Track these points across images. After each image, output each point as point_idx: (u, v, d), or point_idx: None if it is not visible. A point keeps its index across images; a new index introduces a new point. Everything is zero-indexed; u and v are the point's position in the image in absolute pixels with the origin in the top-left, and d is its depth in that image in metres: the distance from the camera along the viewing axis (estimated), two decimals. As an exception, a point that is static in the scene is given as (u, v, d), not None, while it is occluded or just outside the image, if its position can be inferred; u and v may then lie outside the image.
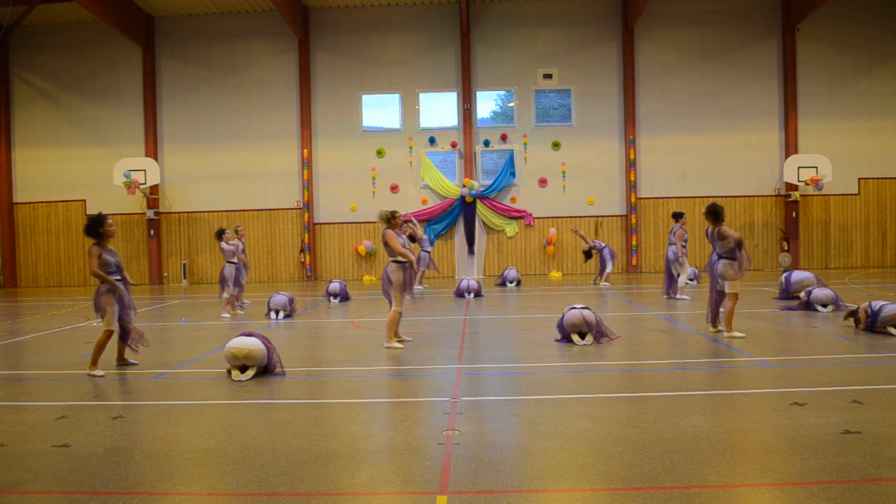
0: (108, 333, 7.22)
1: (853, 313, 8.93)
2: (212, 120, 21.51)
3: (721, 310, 8.65)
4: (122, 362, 7.51)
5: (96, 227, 7.22)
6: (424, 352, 8.10)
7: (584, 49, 21.09)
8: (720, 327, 8.69)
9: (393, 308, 8.28)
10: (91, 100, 21.72)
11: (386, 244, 8.28)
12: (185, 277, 21.45)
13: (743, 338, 8.23)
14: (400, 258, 8.22)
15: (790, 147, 20.53)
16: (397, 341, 8.40)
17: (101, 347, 7.17)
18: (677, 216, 13.26)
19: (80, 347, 8.87)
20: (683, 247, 12.90)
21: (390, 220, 8.32)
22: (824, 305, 10.63)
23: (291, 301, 11.90)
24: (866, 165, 20.68)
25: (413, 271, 8.49)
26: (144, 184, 20.62)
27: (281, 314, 11.57)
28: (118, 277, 7.30)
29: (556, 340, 8.43)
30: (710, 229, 8.59)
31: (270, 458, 4.31)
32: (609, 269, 16.75)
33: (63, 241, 21.99)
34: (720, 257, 8.48)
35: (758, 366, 6.85)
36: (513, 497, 3.63)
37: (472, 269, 20.67)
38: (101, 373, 7.05)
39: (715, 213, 8.47)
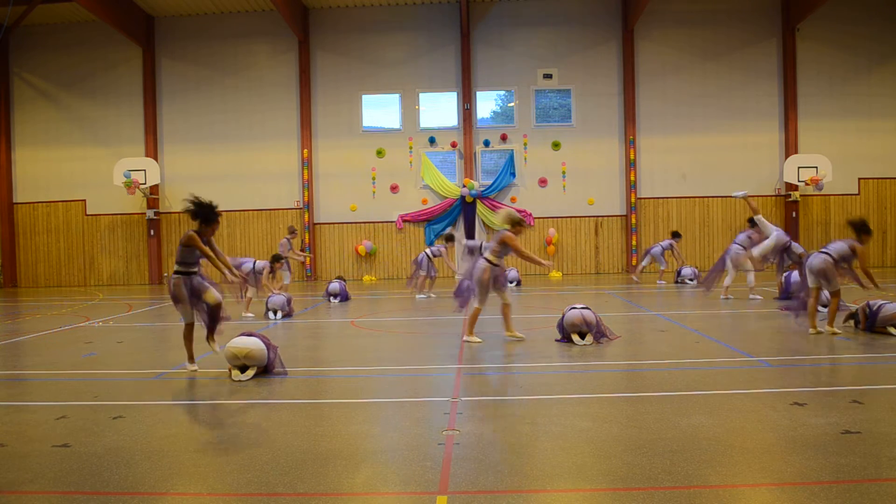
0: (187, 326, 7.08)
1: (853, 315, 8.92)
2: (212, 120, 21.51)
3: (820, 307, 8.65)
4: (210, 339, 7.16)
5: (210, 214, 6.81)
6: (424, 352, 8.09)
7: (584, 49, 21.09)
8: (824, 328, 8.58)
9: (476, 304, 8.41)
10: (91, 100, 21.72)
11: (504, 244, 8.18)
12: (185, 277, 21.41)
13: (840, 333, 8.28)
14: (493, 258, 8.26)
15: (790, 147, 20.53)
16: (475, 337, 8.50)
17: (187, 339, 7.10)
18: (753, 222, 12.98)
19: (80, 347, 8.87)
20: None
21: (517, 225, 8.29)
22: (824, 306, 10.59)
23: (289, 301, 11.90)
24: (866, 165, 20.68)
25: (503, 272, 8.54)
26: (144, 184, 20.62)
27: (279, 314, 11.57)
28: (195, 270, 6.92)
29: (556, 340, 8.43)
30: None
31: (270, 458, 4.31)
32: (662, 266, 17.06)
33: (63, 241, 21.99)
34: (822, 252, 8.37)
35: (758, 366, 6.85)
36: (513, 497, 3.62)
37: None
38: (194, 367, 7.02)
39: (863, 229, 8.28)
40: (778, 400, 5.43)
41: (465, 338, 8.53)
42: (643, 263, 17.52)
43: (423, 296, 14.63)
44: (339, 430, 4.88)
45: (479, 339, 8.49)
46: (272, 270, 12.63)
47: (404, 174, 21.37)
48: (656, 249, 16.99)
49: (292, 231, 15.35)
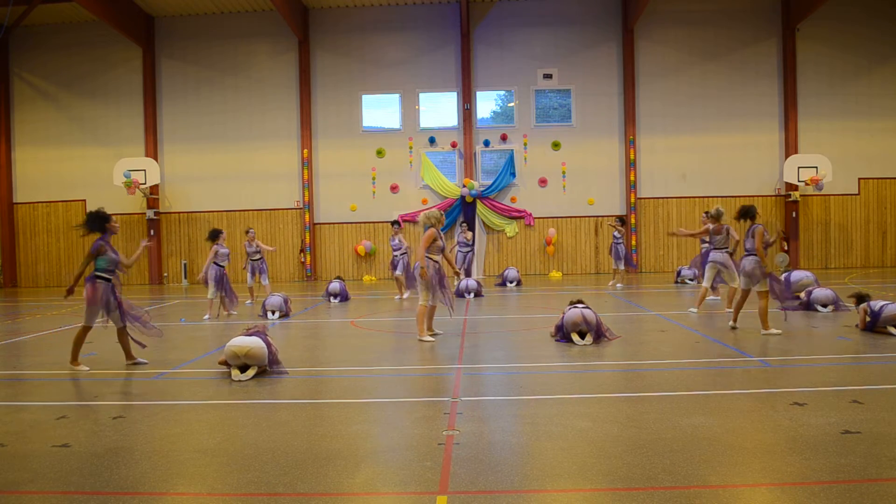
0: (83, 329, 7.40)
1: (861, 298, 8.97)
2: (212, 120, 21.51)
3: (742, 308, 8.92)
4: (131, 362, 7.49)
5: (102, 222, 7.27)
6: (424, 352, 8.10)
7: (584, 49, 21.09)
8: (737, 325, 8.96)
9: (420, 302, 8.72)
10: (91, 100, 21.72)
11: None
12: (185, 277, 21.45)
13: (780, 334, 8.44)
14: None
15: (790, 147, 20.53)
16: (429, 334, 8.76)
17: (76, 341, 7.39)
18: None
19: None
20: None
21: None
22: (824, 305, 10.63)
23: (286, 301, 11.89)
24: (866, 165, 20.68)
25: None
26: (144, 184, 20.62)
27: (277, 314, 11.56)
28: (108, 277, 7.29)
29: (557, 340, 8.43)
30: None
31: (270, 458, 4.31)
32: (618, 267, 16.71)
33: (63, 241, 21.99)
34: (749, 254, 8.72)
35: (758, 366, 6.85)
36: (513, 497, 3.63)
37: (472, 270, 20.64)
38: (86, 368, 7.26)
39: (752, 214, 8.99)
40: (778, 400, 5.43)
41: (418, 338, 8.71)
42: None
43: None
44: (339, 430, 4.88)
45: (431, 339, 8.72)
46: None
47: (404, 174, 21.36)
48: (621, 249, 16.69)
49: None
